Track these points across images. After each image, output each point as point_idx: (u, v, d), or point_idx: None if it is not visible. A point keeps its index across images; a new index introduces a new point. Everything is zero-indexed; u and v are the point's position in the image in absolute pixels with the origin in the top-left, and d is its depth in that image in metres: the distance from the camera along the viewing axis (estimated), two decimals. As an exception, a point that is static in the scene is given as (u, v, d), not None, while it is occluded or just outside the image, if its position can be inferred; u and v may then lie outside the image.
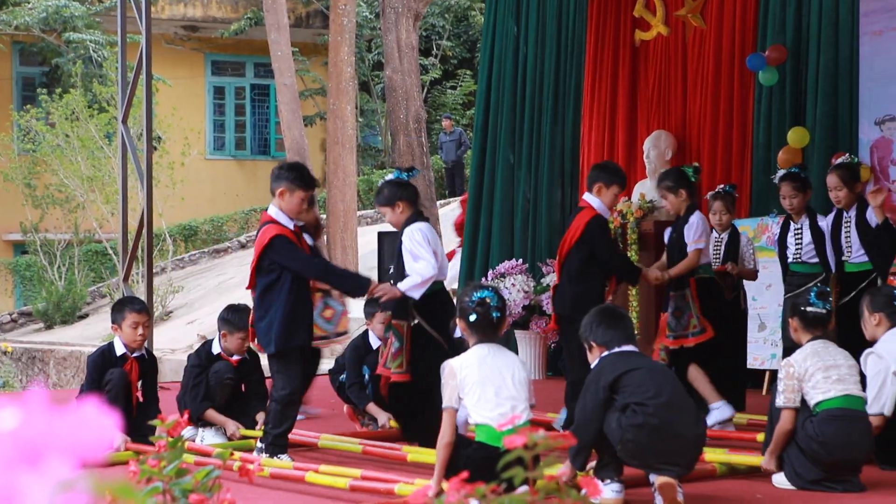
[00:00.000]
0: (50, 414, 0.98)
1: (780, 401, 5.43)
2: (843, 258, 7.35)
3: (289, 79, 17.62)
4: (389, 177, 6.55)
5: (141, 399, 6.81)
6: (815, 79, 9.02)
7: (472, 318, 4.95)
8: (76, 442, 0.96)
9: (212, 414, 6.80)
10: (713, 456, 5.72)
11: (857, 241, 7.30)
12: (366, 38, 24.07)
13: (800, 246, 7.57)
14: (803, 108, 9.15)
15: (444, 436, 4.82)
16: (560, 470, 4.95)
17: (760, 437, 6.06)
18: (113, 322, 6.73)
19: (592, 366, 5.18)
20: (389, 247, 10.96)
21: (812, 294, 5.58)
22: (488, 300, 5.00)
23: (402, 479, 5.26)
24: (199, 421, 6.85)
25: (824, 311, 5.57)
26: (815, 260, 7.53)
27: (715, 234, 7.81)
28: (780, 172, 7.86)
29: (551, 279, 9.75)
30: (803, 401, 5.44)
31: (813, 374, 5.41)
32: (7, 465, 0.94)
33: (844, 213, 7.36)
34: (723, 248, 7.59)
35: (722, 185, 7.98)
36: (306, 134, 18.44)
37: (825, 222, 7.49)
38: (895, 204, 8.68)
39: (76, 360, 16.00)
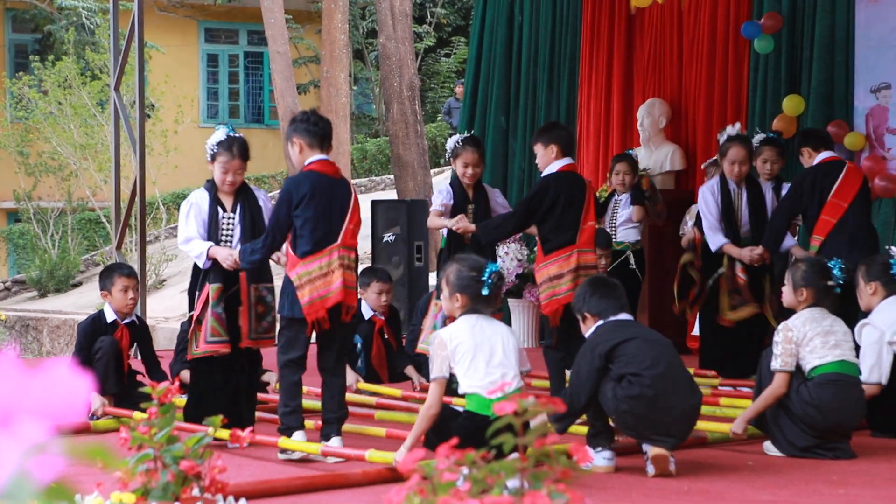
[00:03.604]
0: (22, 377, 0.97)
1: (776, 364, 5.43)
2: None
3: (282, 46, 17.53)
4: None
5: (134, 367, 6.80)
6: (811, 46, 8.98)
7: (486, 291, 4.90)
8: (48, 405, 0.95)
9: (185, 374, 6.76)
10: (704, 425, 5.72)
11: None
12: (360, 5, 23.95)
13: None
14: (798, 76, 9.12)
15: (431, 406, 4.80)
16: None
17: (747, 402, 6.06)
18: (102, 289, 6.71)
19: (587, 334, 5.16)
20: (384, 215, 10.92)
21: (835, 267, 5.58)
22: (501, 273, 4.98)
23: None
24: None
25: (837, 284, 5.59)
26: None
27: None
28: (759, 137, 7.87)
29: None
30: (797, 366, 5.45)
31: (812, 339, 5.42)
32: (-23, 428, 0.93)
33: (760, 186, 7.59)
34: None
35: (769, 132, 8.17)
36: (300, 102, 18.36)
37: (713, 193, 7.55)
38: (890, 173, 8.67)
39: (70, 328, 15.99)
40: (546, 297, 6.21)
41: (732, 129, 7.63)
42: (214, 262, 5.74)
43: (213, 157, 5.81)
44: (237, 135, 5.90)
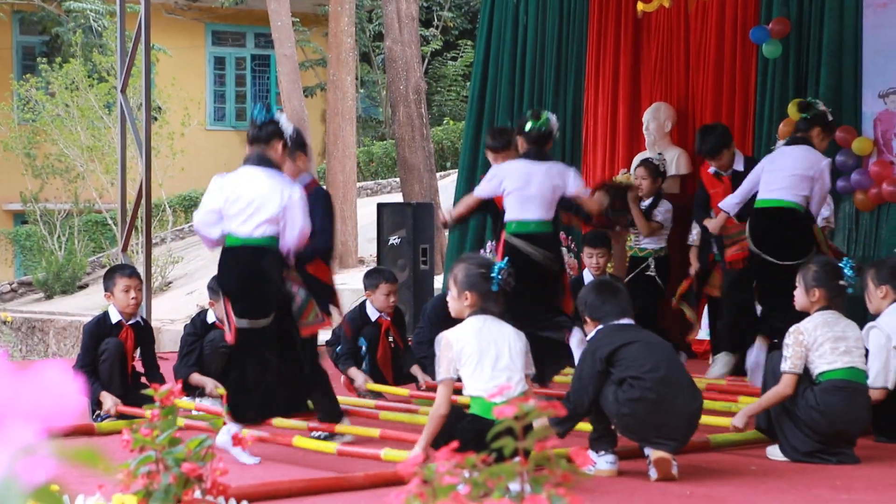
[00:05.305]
0: (11, 379, 0.96)
1: (785, 366, 5.42)
2: None
3: (289, 49, 17.55)
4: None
5: (139, 368, 6.82)
6: (819, 51, 8.97)
7: (495, 287, 4.90)
8: (39, 407, 0.94)
9: (195, 377, 6.81)
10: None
11: None
12: (366, 8, 23.96)
13: None
14: (806, 81, 9.10)
15: (439, 407, 4.79)
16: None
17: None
18: (106, 290, 6.75)
19: (589, 338, 5.17)
20: (389, 218, 10.91)
21: (847, 266, 5.57)
22: (510, 269, 4.97)
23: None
24: (195, 390, 6.84)
25: (849, 284, 5.58)
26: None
27: None
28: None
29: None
30: (805, 369, 5.43)
31: (822, 344, 5.41)
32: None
33: None
34: None
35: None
36: (306, 105, 18.38)
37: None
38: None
39: (76, 329, 16.01)
40: None
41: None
42: None
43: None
44: None
